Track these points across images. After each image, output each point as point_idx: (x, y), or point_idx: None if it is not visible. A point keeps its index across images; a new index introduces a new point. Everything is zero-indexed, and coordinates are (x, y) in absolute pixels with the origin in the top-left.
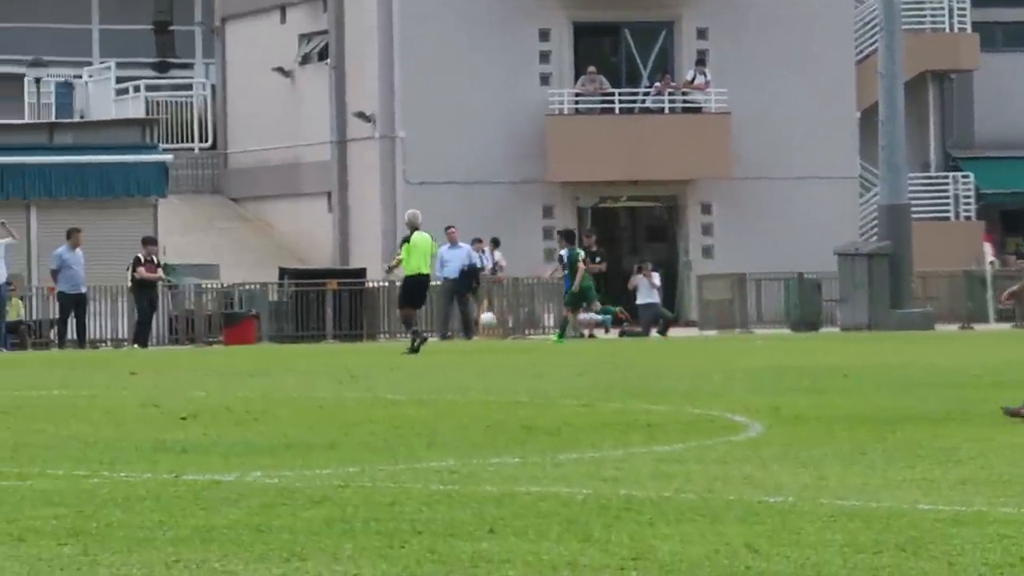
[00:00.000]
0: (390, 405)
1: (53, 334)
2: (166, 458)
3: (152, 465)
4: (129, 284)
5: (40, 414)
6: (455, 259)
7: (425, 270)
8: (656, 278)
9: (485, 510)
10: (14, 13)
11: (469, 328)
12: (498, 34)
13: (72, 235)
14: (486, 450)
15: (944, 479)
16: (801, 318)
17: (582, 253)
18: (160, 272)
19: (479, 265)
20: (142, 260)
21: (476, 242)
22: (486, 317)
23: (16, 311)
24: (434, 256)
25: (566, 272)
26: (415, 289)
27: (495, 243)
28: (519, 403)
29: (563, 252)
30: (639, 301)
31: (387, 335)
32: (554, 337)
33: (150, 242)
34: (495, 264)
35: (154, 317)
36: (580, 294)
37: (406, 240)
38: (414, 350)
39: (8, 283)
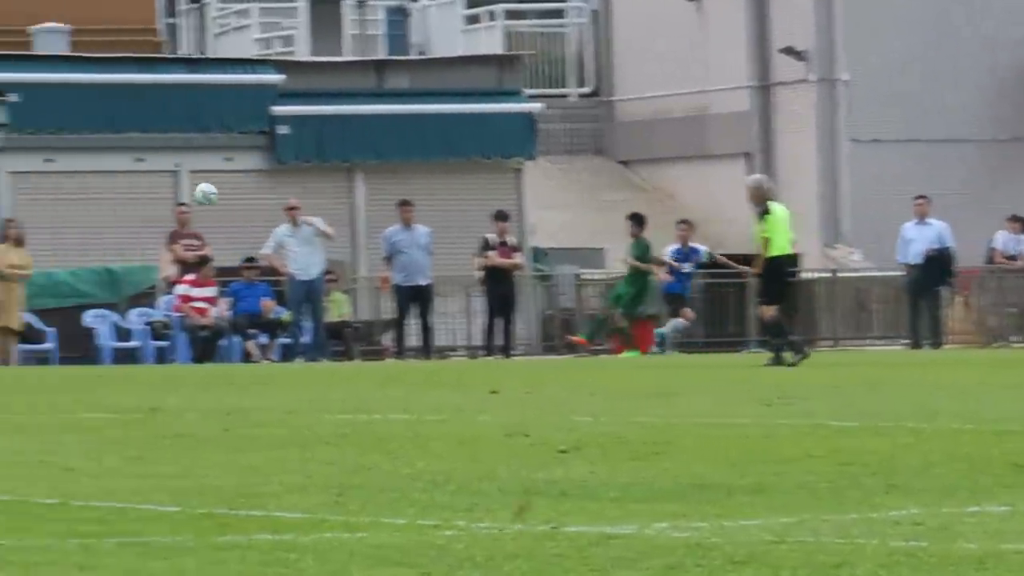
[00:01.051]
0: (835, 435)
1: (389, 339)
2: (543, 504)
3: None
4: (478, 273)
5: (373, 445)
6: (921, 239)
7: (791, 250)
8: None
9: (963, 573)
10: None
11: (938, 332)
12: None
13: (401, 209)
14: (962, 495)
15: None
16: None
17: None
18: (518, 257)
19: (953, 247)
20: (491, 242)
21: (1013, 220)
22: (673, 324)
23: (338, 309)
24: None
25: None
26: (784, 275)
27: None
28: (1007, 432)
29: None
30: None
31: (832, 342)
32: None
33: (502, 218)
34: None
35: (512, 317)
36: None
37: (765, 213)
38: (791, 362)
39: (327, 271)
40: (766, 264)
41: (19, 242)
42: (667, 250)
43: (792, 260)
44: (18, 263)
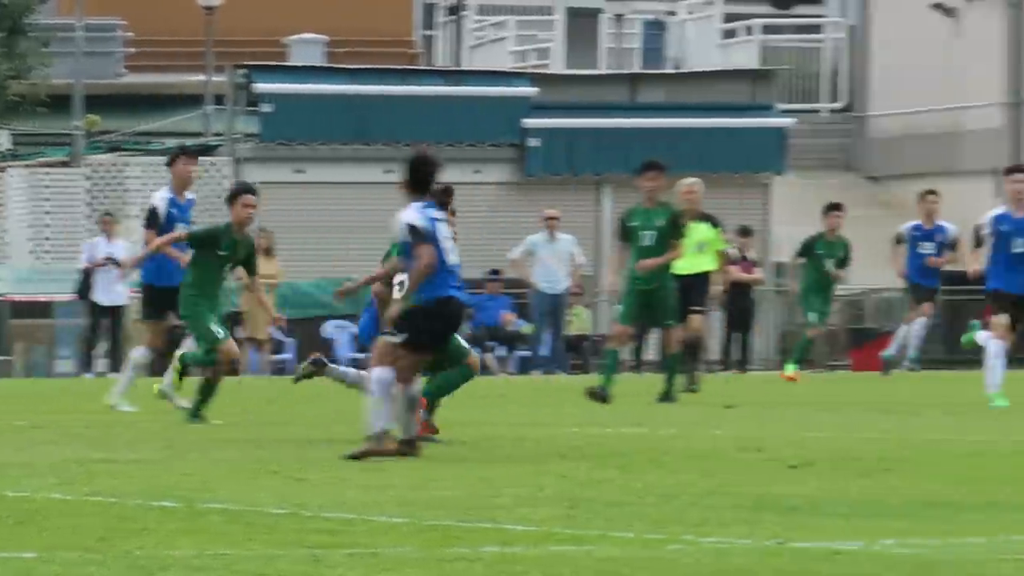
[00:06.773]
0: None
1: (628, 352)
2: (769, 518)
3: (751, 528)
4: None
5: (606, 460)
6: None
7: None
8: None
9: None
10: None
11: None
12: None
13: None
14: None
15: None
16: None
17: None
18: (758, 272)
19: None
20: (732, 257)
21: None
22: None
23: (579, 323)
24: None
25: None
26: None
27: None
28: None
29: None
30: None
31: None
32: None
33: (745, 233)
34: None
35: (750, 332)
36: None
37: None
38: None
39: (574, 286)
40: None
41: (269, 252)
42: (904, 228)
43: None
44: (267, 273)
